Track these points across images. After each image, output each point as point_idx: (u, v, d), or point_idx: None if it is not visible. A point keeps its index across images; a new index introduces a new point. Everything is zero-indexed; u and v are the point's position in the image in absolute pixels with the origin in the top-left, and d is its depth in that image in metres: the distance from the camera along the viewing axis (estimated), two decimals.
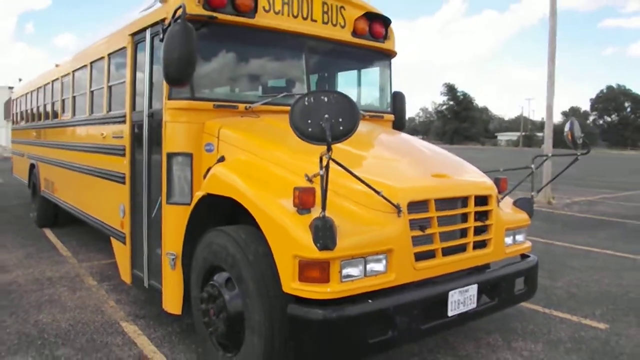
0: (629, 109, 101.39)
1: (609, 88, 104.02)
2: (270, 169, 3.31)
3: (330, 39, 4.57)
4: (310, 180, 2.99)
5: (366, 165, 3.49)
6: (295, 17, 4.34)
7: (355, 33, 4.74)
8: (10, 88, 22.29)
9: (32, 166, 9.11)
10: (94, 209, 5.71)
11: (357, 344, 2.76)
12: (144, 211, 4.31)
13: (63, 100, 7.17)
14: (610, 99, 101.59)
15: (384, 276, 2.88)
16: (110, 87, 5.21)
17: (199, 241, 3.51)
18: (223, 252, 3.18)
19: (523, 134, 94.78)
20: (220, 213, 3.63)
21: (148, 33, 4.22)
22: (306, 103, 2.47)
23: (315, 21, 4.48)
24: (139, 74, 4.49)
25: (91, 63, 5.83)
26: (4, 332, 4.17)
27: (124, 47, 4.68)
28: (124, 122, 4.69)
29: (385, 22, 4.98)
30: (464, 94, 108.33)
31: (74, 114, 6.60)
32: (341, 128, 2.44)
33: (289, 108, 4.18)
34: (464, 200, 3.46)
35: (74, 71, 6.59)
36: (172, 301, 3.92)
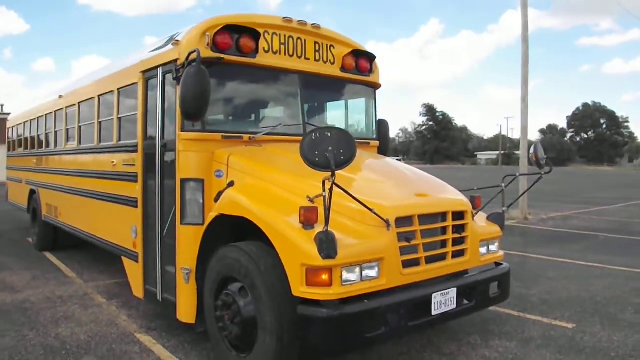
0: (604, 126, 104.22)
1: (585, 105, 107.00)
2: (275, 191, 3.83)
3: (322, 74, 5.14)
4: (311, 200, 3.52)
5: (359, 187, 4.01)
6: (291, 56, 4.91)
7: (343, 68, 5.33)
8: (6, 114, 22.49)
9: (32, 192, 9.45)
10: (104, 231, 6.12)
11: (356, 337, 3.27)
12: (157, 232, 4.76)
13: (67, 130, 7.61)
14: (587, 116, 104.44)
15: (376, 281, 3.41)
16: (120, 119, 5.69)
17: (212, 256, 3.98)
18: (237, 265, 3.67)
19: (502, 152, 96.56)
20: (230, 231, 4.13)
21: (160, 71, 4.73)
22: (313, 138, 3.01)
23: (309, 59, 5.05)
24: (150, 107, 5.00)
25: (99, 96, 6.31)
26: (30, 345, 4.55)
27: (135, 83, 5.18)
28: (135, 151, 5.17)
29: (370, 57, 5.58)
30: (443, 114, 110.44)
31: (79, 142, 7.03)
32: (342, 158, 2.98)
33: (287, 137, 4.80)
34: (443, 216, 4.00)
35: (80, 102, 7.05)
36: (186, 312, 4.36)
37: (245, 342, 3.65)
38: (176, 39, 4.48)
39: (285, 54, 4.85)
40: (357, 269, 3.30)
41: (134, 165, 5.21)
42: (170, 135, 4.57)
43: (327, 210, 3.07)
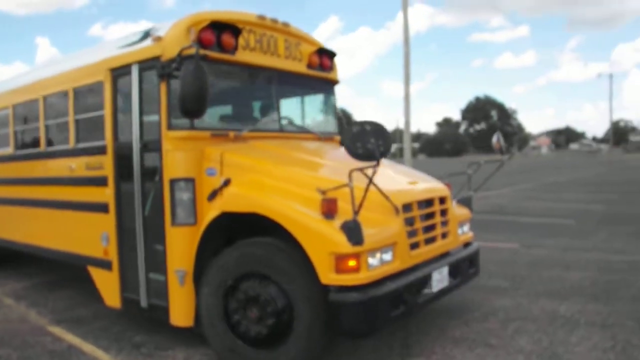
0: (495, 117, 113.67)
1: (477, 98, 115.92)
2: (280, 186, 3.87)
3: (292, 71, 5.23)
4: (323, 193, 3.63)
5: (361, 177, 4.20)
6: (265, 53, 4.94)
7: (309, 65, 5.46)
8: None
9: None
10: (59, 242, 5.67)
11: (382, 317, 3.48)
12: (138, 236, 4.56)
13: None
14: (479, 109, 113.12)
15: (392, 264, 3.63)
16: (77, 121, 5.33)
17: (219, 255, 3.93)
18: (262, 260, 3.67)
19: (399, 145, 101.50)
20: (224, 230, 4.09)
21: (136, 68, 4.52)
22: (354, 131, 3.15)
23: (280, 56, 5.11)
24: (120, 107, 4.76)
25: (44, 97, 5.85)
26: None
27: (99, 81, 4.90)
28: (102, 153, 4.89)
29: (332, 55, 5.77)
30: (342, 110, 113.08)
31: (19, 148, 6.45)
32: (382, 148, 3.15)
33: (266, 134, 4.83)
34: (432, 201, 4.31)
35: (15, 105, 6.46)
36: (182, 315, 4.25)
37: (272, 336, 3.67)
38: (156, 34, 4.33)
39: (259, 51, 4.87)
40: (378, 254, 3.50)
41: (101, 168, 4.92)
42: (152, 134, 4.40)
43: (354, 199, 3.22)
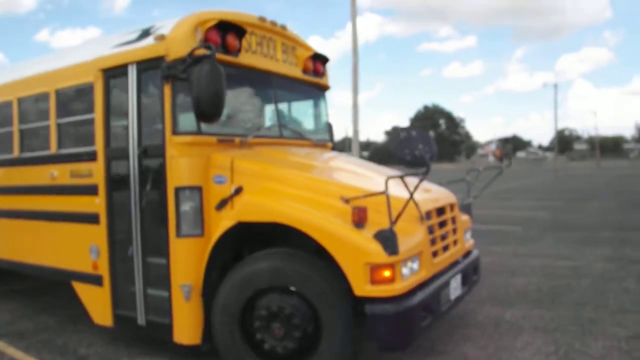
0: (444, 126, 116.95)
1: (426, 107, 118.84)
2: (303, 194, 3.70)
3: (289, 76, 5.08)
4: (347, 201, 3.51)
5: (380, 184, 4.10)
6: (265, 56, 4.77)
7: (304, 71, 5.33)
8: None
9: None
10: (42, 256, 5.21)
11: (415, 328, 3.39)
12: (137, 249, 4.25)
13: None
14: (427, 117, 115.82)
15: (419, 273, 3.54)
16: (59, 125, 4.94)
17: (235, 268, 3.70)
18: (289, 273, 3.49)
19: (348, 153, 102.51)
20: (233, 241, 3.88)
21: (133, 68, 4.22)
22: (402, 138, 3.06)
23: (278, 60, 4.95)
24: (113, 110, 4.44)
25: (19, 99, 5.40)
26: None
27: (88, 83, 4.56)
28: (92, 159, 4.54)
29: (325, 60, 5.66)
30: None
31: None
32: (428, 155, 3.05)
33: (271, 140, 4.67)
34: (443, 209, 4.27)
35: None
36: (188, 332, 3.97)
37: (297, 353, 3.50)
38: (159, 33, 4.07)
39: (260, 55, 4.70)
40: (409, 263, 3.40)
41: (91, 175, 4.57)
42: (153, 139, 4.13)
43: (392, 207, 3.11)
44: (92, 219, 4.55)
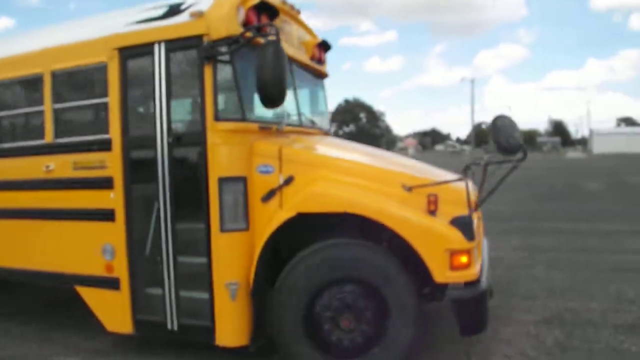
0: (364, 120, 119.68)
1: (347, 101, 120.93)
2: (364, 183, 3.57)
3: (302, 62, 4.91)
4: (409, 189, 3.44)
5: (422, 170, 4.05)
6: (286, 41, 4.54)
7: (312, 57, 5.17)
8: None
9: None
10: (42, 260, 4.54)
11: (487, 311, 3.44)
12: (166, 248, 3.87)
13: None
14: (348, 111, 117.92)
15: (479, 259, 3.62)
16: (56, 110, 4.36)
17: (300, 261, 3.51)
18: (366, 265, 3.39)
19: None
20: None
21: (160, 47, 3.81)
22: (499, 124, 3.02)
23: (293, 46, 4.75)
24: (132, 94, 4.00)
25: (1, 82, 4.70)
26: None
27: (100, 62, 4.06)
28: (103, 149, 4.07)
29: (327, 48, 5.53)
30: None
31: None
32: (521, 141, 3.11)
33: (294, 128, 4.49)
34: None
35: None
36: (234, 334, 3.70)
37: (364, 345, 3.42)
38: (196, 9, 3.70)
39: (283, 39, 4.46)
40: (476, 249, 3.43)
41: (103, 167, 4.09)
42: (191, 126, 3.79)
43: (469, 194, 3.14)
44: (105, 215, 4.08)
